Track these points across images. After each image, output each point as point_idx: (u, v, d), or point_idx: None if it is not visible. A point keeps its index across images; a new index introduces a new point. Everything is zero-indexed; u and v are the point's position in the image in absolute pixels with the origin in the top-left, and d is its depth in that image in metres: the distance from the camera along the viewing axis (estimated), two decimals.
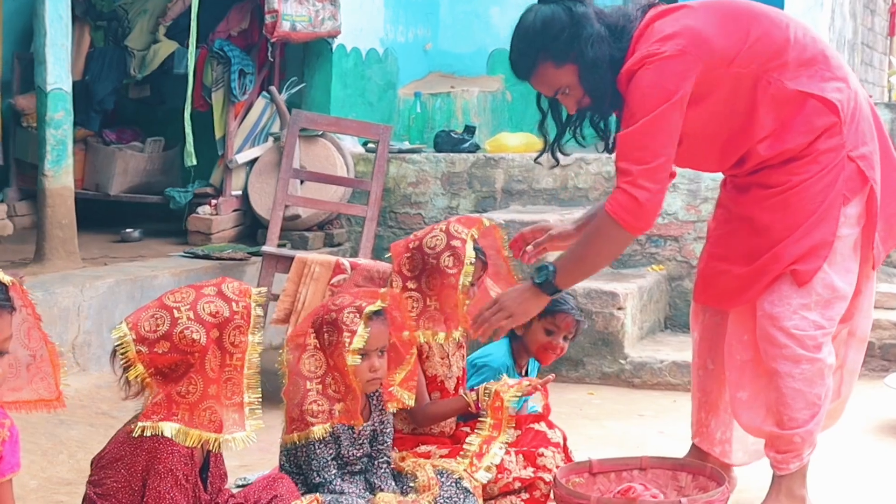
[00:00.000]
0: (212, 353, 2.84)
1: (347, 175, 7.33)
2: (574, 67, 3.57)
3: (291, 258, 5.83)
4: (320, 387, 3.46)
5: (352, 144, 7.73)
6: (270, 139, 7.54)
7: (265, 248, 5.99)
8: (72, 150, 6.38)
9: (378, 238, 7.53)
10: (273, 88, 7.44)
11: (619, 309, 6.35)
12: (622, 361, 6.32)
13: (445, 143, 7.60)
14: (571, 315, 4.21)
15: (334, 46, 7.71)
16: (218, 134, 7.45)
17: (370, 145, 7.79)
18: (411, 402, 3.68)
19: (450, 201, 7.50)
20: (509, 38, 3.68)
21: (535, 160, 4.36)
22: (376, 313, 3.49)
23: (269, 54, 7.22)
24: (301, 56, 7.85)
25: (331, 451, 3.50)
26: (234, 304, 2.88)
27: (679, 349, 6.35)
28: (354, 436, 3.56)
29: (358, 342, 3.40)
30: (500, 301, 3.74)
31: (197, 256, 6.75)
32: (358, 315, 3.43)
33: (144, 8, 7.78)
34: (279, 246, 7.05)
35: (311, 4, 7.19)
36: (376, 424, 3.64)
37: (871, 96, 3.93)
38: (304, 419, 3.44)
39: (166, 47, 7.54)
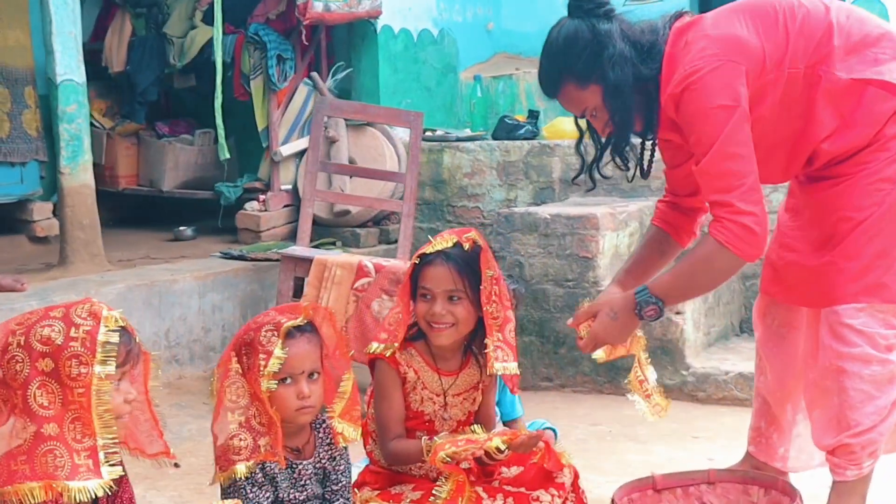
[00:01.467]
0: (40, 386, 2.37)
1: (399, 167, 6.83)
2: (598, 88, 3.29)
3: (311, 260, 5.39)
4: (243, 418, 2.97)
5: (405, 133, 7.22)
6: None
7: (283, 250, 5.54)
8: (89, 145, 6.05)
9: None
10: (315, 75, 6.98)
11: (678, 313, 5.72)
12: (684, 373, 5.70)
13: (501, 129, 7.03)
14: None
15: (378, 28, 7.20)
16: (260, 125, 7.02)
17: (428, 133, 7.28)
18: (355, 437, 3.15)
19: (507, 193, 6.94)
20: None
21: (573, 180, 4.31)
22: (299, 329, 2.98)
23: (303, 37, 6.72)
24: (348, 40, 7.37)
25: (267, 494, 2.99)
26: (73, 330, 2.40)
27: (750, 358, 5.58)
28: (295, 476, 3.06)
29: (273, 365, 2.90)
30: (600, 337, 3.44)
31: (233, 257, 6.34)
32: (275, 333, 2.93)
33: None
34: (327, 245, 6.65)
35: None
36: (325, 462, 3.13)
37: None
38: (227, 456, 2.95)
39: (203, 33, 7.11)
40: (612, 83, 3.25)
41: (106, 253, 6.68)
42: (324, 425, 3.13)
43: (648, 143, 3.47)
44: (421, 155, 7.05)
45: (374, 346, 3.28)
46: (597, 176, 3.55)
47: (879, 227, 3.23)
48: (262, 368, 2.90)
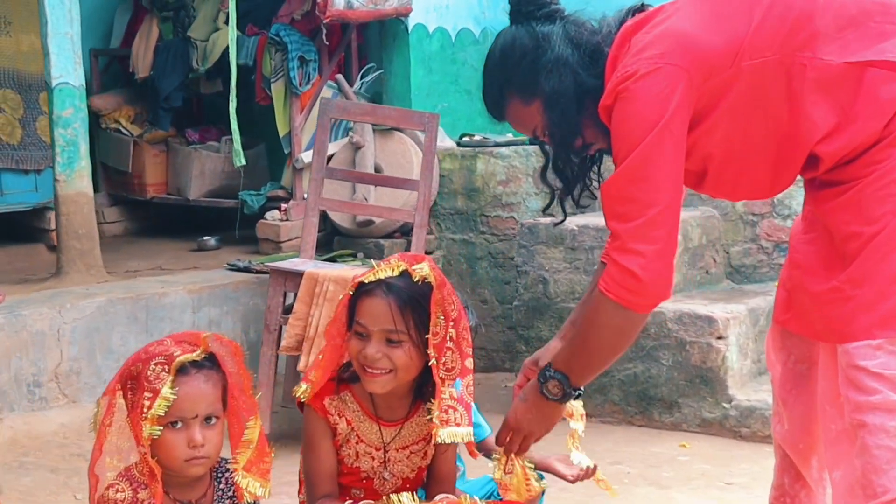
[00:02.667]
0: None
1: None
2: (540, 103, 2.78)
3: (301, 274, 4.97)
4: (122, 466, 2.51)
5: (438, 138, 6.76)
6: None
7: (271, 264, 5.15)
8: (86, 151, 5.78)
9: (470, 245, 6.63)
10: (340, 77, 6.58)
11: (719, 338, 5.18)
12: (726, 405, 5.17)
13: None
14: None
15: (410, 27, 6.76)
16: (281, 130, 6.67)
17: (466, 138, 6.83)
18: (262, 494, 2.65)
19: (544, 202, 6.41)
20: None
21: (544, 212, 3.75)
22: (195, 365, 2.49)
23: (324, 37, 6.32)
24: (379, 40, 6.96)
25: None
26: None
27: None
28: None
29: (159, 407, 2.41)
30: (511, 425, 2.85)
31: (238, 269, 5.99)
32: (165, 368, 2.45)
33: None
34: (345, 258, 6.26)
35: None
36: None
37: None
38: None
39: (225, 36, 6.74)
40: (549, 93, 2.73)
41: (120, 262, 6.47)
42: (227, 474, 2.66)
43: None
44: (454, 161, 6.64)
45: (301, 388, 2.74)
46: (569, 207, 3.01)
47: (894, 242, 2.60)
48: (145, 410, 2.42)
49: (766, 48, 2.61)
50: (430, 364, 2.63)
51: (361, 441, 2.73)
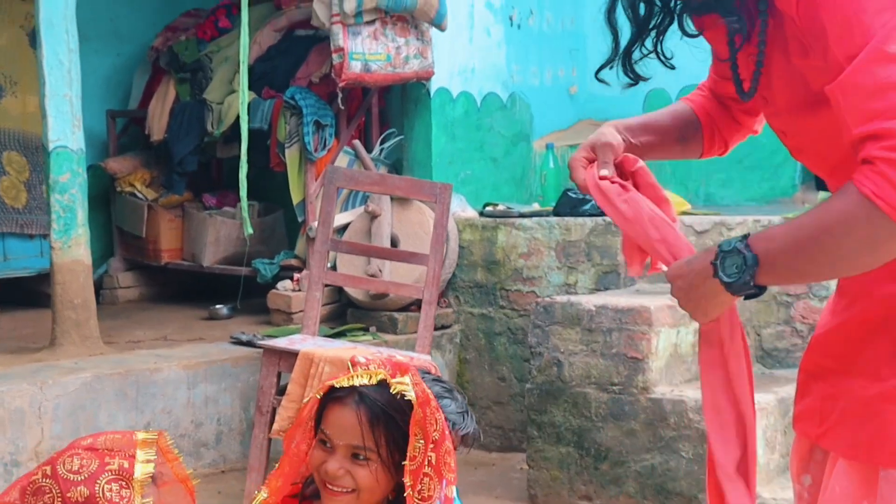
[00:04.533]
0: None
1: (449, 246, 6.14)
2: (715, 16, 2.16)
3: (296, 354, 4.73)
4: None
5: (459, 207, 6.52)
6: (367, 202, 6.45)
7: (263, 342, 4.91)
8: (84, 219, 5.60)
9: (489, 320, 6.37)
10: (357, 143, 6.38)
11: None
12: None
13: (565, 204, 6.27)
14: (455, 431, 2.55)
15: (432, 91, 6.53)
16: (295, 198, 6.46)
17: (489, 208, 6.58)
18: None
19: (566, 276, 6.16)
20: (666, 75, 2.35)
21: (596, 75, 2.61)
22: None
23: (340, 101, 6.11)
24: (401, 104, 6.75)
25: None
26: None
27: None
28: None
29: None
30: (671, 280, 2.26)
31: (241, 343, 5.77)
32: (125, 485, 2.16)
33: (226, 55, 6.87)
34: (355, 332, 6.03)
35: (389, 40, 6.06)
36: None
37: None
38: None
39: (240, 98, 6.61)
40: None
41: (125, 331, 6.31)
42: None
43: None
44: (475, 232, 6.40)
45: (258, 497, 2.45)
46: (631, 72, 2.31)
47: None
48: None
49: None
50: (408, 492, 2.30)
51: None
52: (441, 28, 6.25)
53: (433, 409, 2.31)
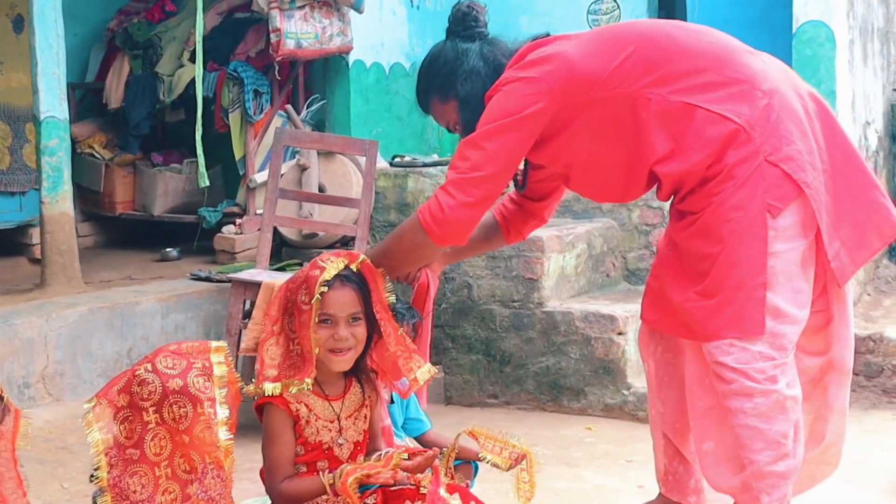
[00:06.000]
0: None
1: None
2: (455, 103, 3.16)
3: (259, 284, 5.13)
4: (169, 470, 2.60)
5: (379, 162, 6.94)
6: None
7: (233, 275, 5.29)
8: (69, 177, 5.86)
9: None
10: (289, 107, 6.75)
11: (620, 334, 5.41)
12: (625, 392, 5.37)
13: None
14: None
15: (350, 62, 6.93)
16: (237, 154, 6.81)
17: (397, 159, 7.01)
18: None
19: None
20: None
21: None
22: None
23: (276, 72, 6.48)
24: (323, 74, 7.13)
25: None
26: None
27: None
28: None
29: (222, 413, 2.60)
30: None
31: (200, 279, 6.11)
32: (208, 380, 2.61)
33: (174, 35, 7.16)
34: (293, 266, 6.39)
35: (317, 21, 6.44)
36: None
37: (810, 92, 3.10)
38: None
39: (189, 71, 6.89)
40: (463, 97, 3.10)
41: (93, 272, 6.54)
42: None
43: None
44: (388, 180, 6.81)
45: (268, 388, 2.86)
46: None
47: (736, 256, 2.86)
48: (213, 416, 2.61)
49: (622, 83, 2.92)
50: (393, 328, 2.95)
51: (319, 418, 2.91)
52: (360, 11, 6.65)
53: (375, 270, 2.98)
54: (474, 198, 2.94)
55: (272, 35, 6.31)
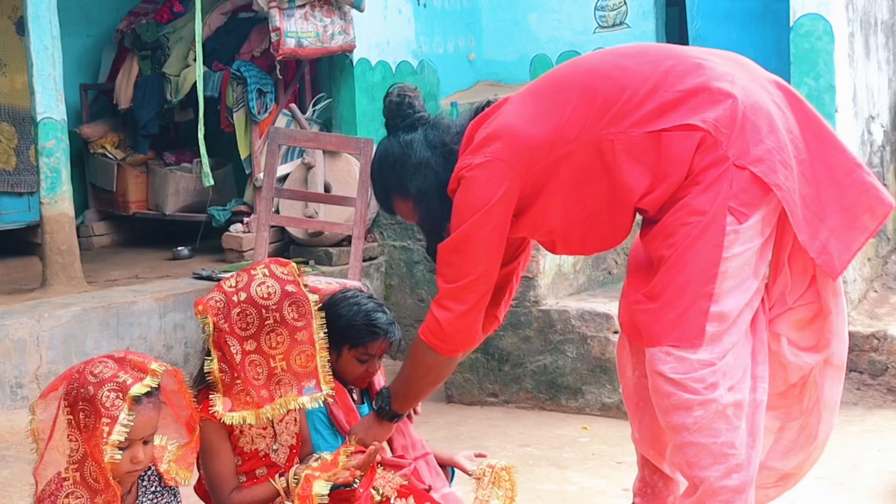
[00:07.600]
0: None
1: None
2: (412, 200, 2.94)
3: None
4: (77, 475, 2.47)
5: None
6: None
7: (224, 274, 5.15)
8: (68, 177, 5.78)
9: (409, 252, 6.66)
10: (293, 106, 6.62)
11: (616, 333, 5.20)
12: (621, 391, 5.15)
13: None
14: (386, 340, 3.00)
15: (355, 61, 6.78)
16: (243, 154, 6.70)
17: None
18: (188, 476, 2.69)
19: None
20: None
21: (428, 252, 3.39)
22: (147, 394, 2.47)
23: (278, 71, 6.34)
24: (329, 73, 6.99)
25: None
26: None
27: None
28: None
29: (118, 434, 2.38)
30: (352, 433, 2.96)
31: (202, 278, 6.01)
32: (120, 396, 2.40)
33: (181, 35, 7.07)
34: (302, 264, 6.26)
35: (318, 20, 6.29)
36: None
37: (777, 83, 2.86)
38: None
39: (195, 72, 6.79)
40: (420, 190, 2.87)
41: (103, 272, 6.47)
42: (148, 472, 2.65)
43: None
44: None
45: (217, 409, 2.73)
46: None
47: (683, 262, 2.64)
48: (105, 435, 2.38)
49: (578, 133, 2.70)
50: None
51: (252, 427, 2.77)
52: (360, 10, 6.50)
53: None
54: (470, 303, 2.77)
55: (272, 34, 6.19)
